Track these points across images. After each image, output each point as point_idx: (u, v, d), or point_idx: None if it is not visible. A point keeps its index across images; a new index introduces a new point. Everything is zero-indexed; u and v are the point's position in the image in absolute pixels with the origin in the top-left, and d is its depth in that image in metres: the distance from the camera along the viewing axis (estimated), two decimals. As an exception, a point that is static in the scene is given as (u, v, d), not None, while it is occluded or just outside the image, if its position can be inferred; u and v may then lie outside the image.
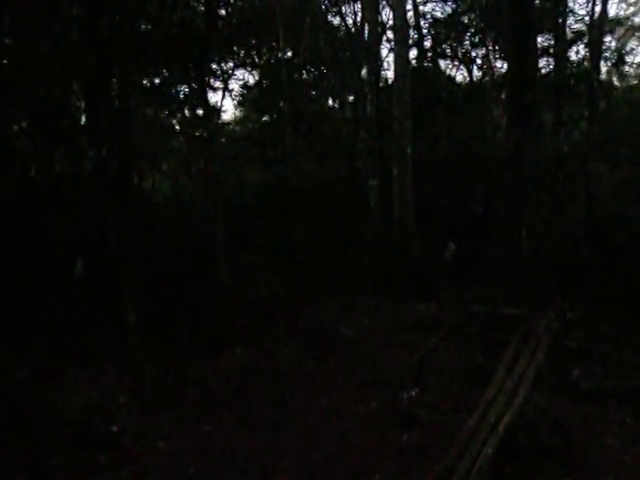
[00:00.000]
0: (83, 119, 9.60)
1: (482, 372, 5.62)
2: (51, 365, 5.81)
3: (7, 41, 7.03)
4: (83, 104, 7.48)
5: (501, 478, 3.91)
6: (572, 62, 14.79)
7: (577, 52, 15.58)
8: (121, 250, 6.09)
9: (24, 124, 7.67)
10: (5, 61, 7.05)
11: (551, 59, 14.75)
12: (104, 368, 5.85)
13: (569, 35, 13.90)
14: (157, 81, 10.83)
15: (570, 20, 14.13)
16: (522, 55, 6.78)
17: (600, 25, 13.30)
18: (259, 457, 4.43)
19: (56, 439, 4.50)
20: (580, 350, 5.91)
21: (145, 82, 10.31)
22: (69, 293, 6.74)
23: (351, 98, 16.07)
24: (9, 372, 5.73)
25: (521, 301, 6.84)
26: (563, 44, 12.39)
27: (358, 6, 14.18)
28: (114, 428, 4.73)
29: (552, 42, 14.30)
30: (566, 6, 13.23)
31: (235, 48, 12.80)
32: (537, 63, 8.92)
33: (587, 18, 14.22)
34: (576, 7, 16.96)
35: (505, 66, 16.01)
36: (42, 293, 6.56)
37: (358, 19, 14.40)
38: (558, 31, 11.99)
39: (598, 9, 13.47)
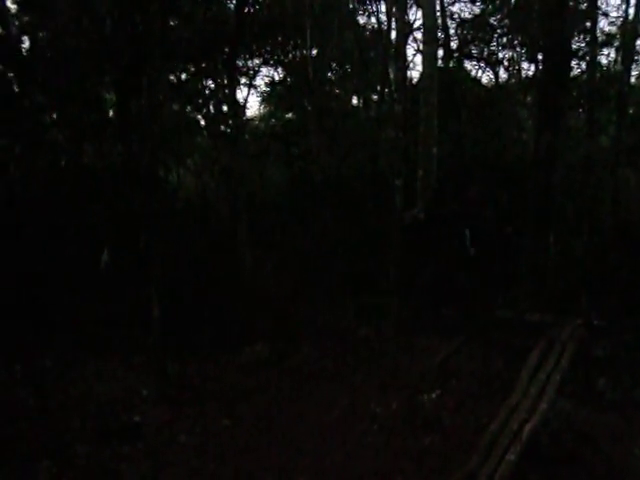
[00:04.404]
0: (110, 113, 9.78)
1: (505, 378, 5.55)
2: (75, 355, 5.90)
3: (41, 35, 7.18)
4: (112, 98, 7.60)
5: (525, 486, 3.86)
6: (602, 65, 14.55)
7: (608, 55, 15.33)
8: (148, 243, 6.15)
9: (54, 116, 7.84)
10: (39, 54, 7.21)
11: (579, 61, 14.53)
12: (128, 360, 5.93)
13: (600, 38, 13.64)
14: (184, 77, 10.95)
15: (602, 22, 13.89)
16: (555, 57, 6.67)
17: (633, 28, 13.00)
18: (278, 455, 4.44)
19: (80, 428, 4.57)
20: (606, 359, 5.79)
21: (172, 77, 10.41)
22: (94, 284, 6.83)
23: (375, 97, 16.03)
24: (34, 361, 5.83)
25: (546, 307, 6.73)
26: (594, 47, 12.15)
27: (383, 7, 14.13)
28: (137, 420, 4.78)
29: (582, 45, 14.09)
30: (597, 7, 12.97)
31: (263, 45, 12.84)
32: (570, 66, 8.75)
33: (619, 20, 13.97)
34: (609, 9, 16.69)
35: (532, 68, 15.84)
36: (68, 283, 6.66)
37: (384, 18, 14.34)
38: (591, 33, 11.76)
39: (632, 11, 13.17)
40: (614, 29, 14.57)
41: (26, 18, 7.80)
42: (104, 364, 5.81)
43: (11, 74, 7.07)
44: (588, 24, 13.00)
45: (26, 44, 7.83)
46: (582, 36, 14.04)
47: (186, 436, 4.68)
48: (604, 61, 15.28)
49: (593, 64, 12.24)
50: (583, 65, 14.22)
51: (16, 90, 7.09)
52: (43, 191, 7.10)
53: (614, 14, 14.66)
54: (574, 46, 13.98)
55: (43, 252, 6.85)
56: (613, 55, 15.24)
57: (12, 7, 7.78)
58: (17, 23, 7.76)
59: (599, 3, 12.63)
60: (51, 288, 6.57)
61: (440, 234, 8.00)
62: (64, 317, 6.33)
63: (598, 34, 13.29)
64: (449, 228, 8.09)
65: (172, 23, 7.65)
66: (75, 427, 4.58)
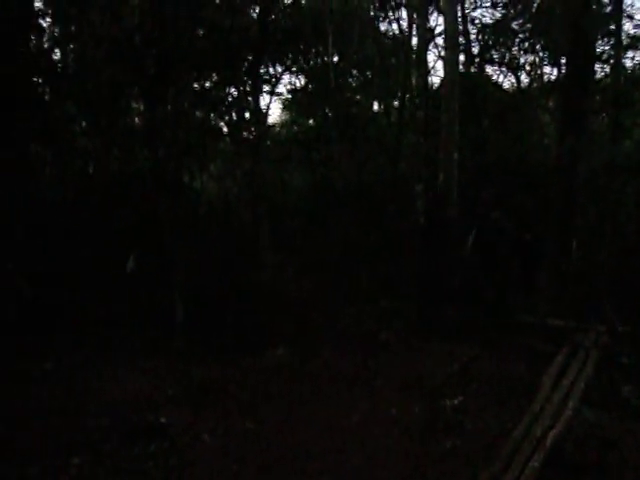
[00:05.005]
0: (136, 120, 10.03)
1: (527, 383, 5.52)
2: (103, 356, 6.05)
3: (72, 46, 7.42)
4: (139, 107, 7.80)
5: (548, 493, 3.84)
6: (627, 69, 14.34)
7: (632, 58, 15.11)
8: (173, 249, 6.29)
9: (84, 124, 8.09)
10: (70, 65, 7.45)
11: (603, 65, 14.34)
12: (153, 362, 6.05)
13: (625, 41, 13.46)
14: (207, 84, 11.17)
15: (627, 25, 13.69)
16: (579, 61, 6.64)
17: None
18: (300, 457, 4.48)
19: (108, 426, 4.69)
20: (631, 365, 5.73)
21: (196, 85, 10.63)
22: (121, 289, 6.99)
23: (396, 103, 16.05)
24: (63, 360, 5.98)
25: (569, 312, 6.67)
26: (619, 50, 12.01)
27: (405, 13, 14.21)
28: (162, 420, 4.89)
29: (606, 48, 13.92)
30: (622, 10, 12.81)
31: (285, 53, 13.02)
32: (594, 69, 8.67)
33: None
34: (634, 12, 16.45)
35: (554, 72, 15.70)
36: (95, 286, 6.84)
37: (404, 25, 14.41)
38: (616, 36, 11.64)
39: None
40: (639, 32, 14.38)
41: (57, 30, 8.10)
42: (130, 365, 5.93)
43: (43, 84, 7.32)
44: (612, 27, 12.88)
45: (57, 55, 8.14)
46: (606, 39, 13.88)
47: (210, 437, 4.76)
48: (629, 64, 15.07)
49: (617, 67, 12.10)
50: (607, 69, 14.07)
51: (47, 99, 7.35)
52: (73, 196, 7.31)
53: (639, 17, 14.43)
54: (598, 49, 13.83)
55: (72, 255, 7.04)
56: (638, 58, 15.04)
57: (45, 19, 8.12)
58: (48, 35, 8.07)
59: (624, 6, 12.48)
60: (79, 290, 6.75)
61: (441, 237, 7.91)
62: (91, 319, 6.49)
63: (623, 37, 13.13)
64: (450, 231, 8.02)
65: (199, 33, 7.84)
66: (104, 425, 4.70)
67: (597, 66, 13.98)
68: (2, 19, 5.79)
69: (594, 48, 8.70)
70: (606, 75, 14.03)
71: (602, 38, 13.89)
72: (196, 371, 6.04)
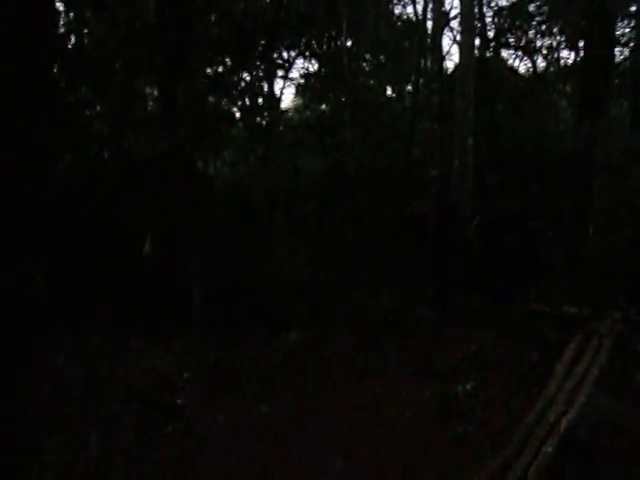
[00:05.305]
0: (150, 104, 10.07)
1: (540, 370, 5.51)
2: (121, 338, 6.13)
3: (86, 30, 7.45)
4: (153, 92, 7.82)
5: (561, 479, 3.86)
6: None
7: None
8: (189, 235, 6.34)
9: (99, 109, 8.14)
10: (84, 50, 7.48)
11: (622, 48, 14.06)
12: (170, 345, 6.14)
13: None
14: (220, 69, 11.16)
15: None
16: (598, 44, 6.50)
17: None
18: (313, 440, 4.55)
19: (127, 406, 4.78)
20: (646, 353, 5.68)
21: (209, 70, 10.62)
22: (138, 272, 7.07)
23: (410, 87, 15.91)
24: (79, 341, 6.07)
25: (583, 300, 6.62)
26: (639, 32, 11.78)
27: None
28: (179, 401, 4.98)
29: (626, 30, 13.65)
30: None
31: (299, 37, 12.94)
32: (613, 52, 8.50)
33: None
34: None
35: (572, 56, 15.44)
36: (114, 270, 6.92)
37: (419, 8, 14.25)
38: (636, 18, 11.39)
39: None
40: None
41: (72, 14, 8.12)
42: (148, 348, 6.02)
43: (59, 69, 7.35)
44: (633, 9, 12.62)
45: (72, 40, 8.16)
46: (626, 21, 13.60)
47: (226, 418, 4.84)
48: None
49: (637, 50, 11.86)
50: (626, 52, 13.81)
51: (62, 85, 7.38)
52: (89, 182, 7.38)
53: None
54: (617, 32, 13.53)
55: (84, 244, 7.12)
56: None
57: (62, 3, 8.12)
58: (63, 20, 8.09)
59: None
60: (97, 274, 6.84)
61: (444, 224, 7.85)
62: (110, 301, 6.56)
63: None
64: (456, 217, 7.96)
65: (212, 18, 7.82)
66: (122, 405, 4.80)
67: (616, 49, 13.71)
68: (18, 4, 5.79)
69: (613, 31, 8.50)
70: (625, 59, 13.78)
71: (622, 20, 13.61)
72: (212, 355, 6.12)
